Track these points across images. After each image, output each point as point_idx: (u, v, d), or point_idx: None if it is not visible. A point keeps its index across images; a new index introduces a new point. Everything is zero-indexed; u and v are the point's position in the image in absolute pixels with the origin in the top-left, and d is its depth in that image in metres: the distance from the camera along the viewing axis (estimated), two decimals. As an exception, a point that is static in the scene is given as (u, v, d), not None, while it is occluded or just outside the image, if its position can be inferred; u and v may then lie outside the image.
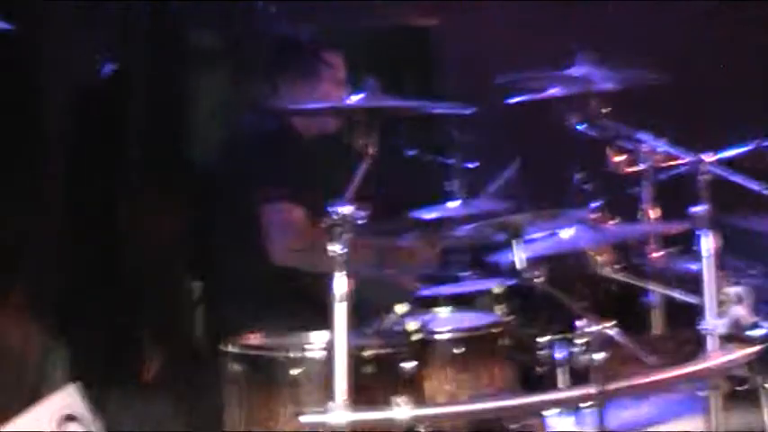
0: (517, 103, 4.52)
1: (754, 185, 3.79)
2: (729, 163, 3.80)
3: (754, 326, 3.72)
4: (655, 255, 4.48)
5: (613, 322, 3.57)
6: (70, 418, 3.94)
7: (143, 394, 5.24)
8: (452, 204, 4.65)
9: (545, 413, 3.92)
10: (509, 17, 6.01)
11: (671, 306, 4.44)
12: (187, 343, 5.09)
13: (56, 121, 4.57)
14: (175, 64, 5.95)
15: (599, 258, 4.35)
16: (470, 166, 4.87)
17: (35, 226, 4.31)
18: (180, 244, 5.49)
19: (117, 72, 5.22)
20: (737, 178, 3.76)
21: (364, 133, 3.52)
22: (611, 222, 4.49)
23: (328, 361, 3.26)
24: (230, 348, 3.85)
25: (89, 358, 4.61)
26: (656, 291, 4.45)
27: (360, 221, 3.22)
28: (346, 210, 3.21)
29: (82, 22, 4.78)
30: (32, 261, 4.29)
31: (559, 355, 3.85)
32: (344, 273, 3.21)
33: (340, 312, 3.23)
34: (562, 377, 3.83)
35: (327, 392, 3.23)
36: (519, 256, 3.81)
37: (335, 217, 3.22)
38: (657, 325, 4.50)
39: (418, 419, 3.49)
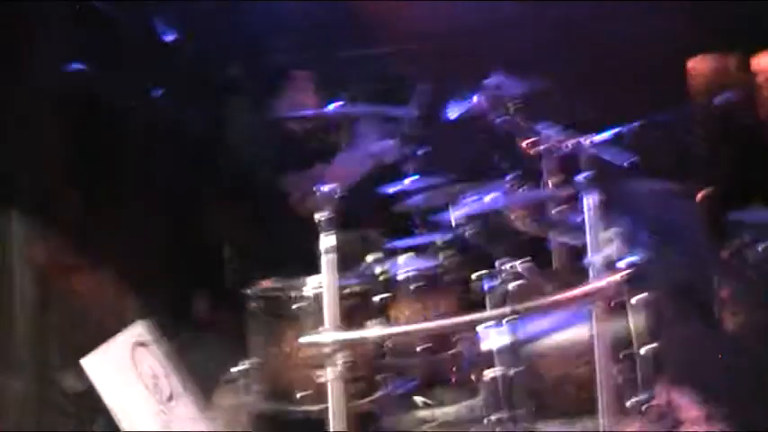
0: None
1: (620, 159, 3.86)
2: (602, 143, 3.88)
3: (620, 259, 3.86)
4: (555, 211, 4.56)
5: (522, 260, 3.59)
6: (141, 344, 4.00)
7: (198, 329, 5.30)
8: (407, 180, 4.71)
9: (477, 329, 4.04)
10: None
11: (567, 247, 4.51)
12: (223, 290, 5.14)
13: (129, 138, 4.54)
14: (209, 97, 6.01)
15: (514, 215, 4.45)
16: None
17: (120, 215, 4.30)
18: (221, 222, 5.54)
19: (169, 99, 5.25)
20: (606, 155, 3.84)
21: (341, 131, 3.62)
22: (522, 189, 4.62)
23: (320, 298, 3.39)
24: (250, 292, 3.97)
25: (158, 307, 4.63)
26: (556, 238, 4.55)
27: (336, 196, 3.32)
28: (326, 188, 3.32)
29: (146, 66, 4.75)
30: (118, 239, 4.27)
31: (487, 286, 3.97)
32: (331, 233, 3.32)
33: (330, 262, 3.34)
34: (489, 302, 3.95)
35: (320, 320, 3.37)
36: (451, 215, 3.91)
37: (319, 194, 3.33)
38: (558, 261, 4.60)
39: (385, 337, 3.63)
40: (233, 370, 3.96)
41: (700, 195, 5.65)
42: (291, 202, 4.56)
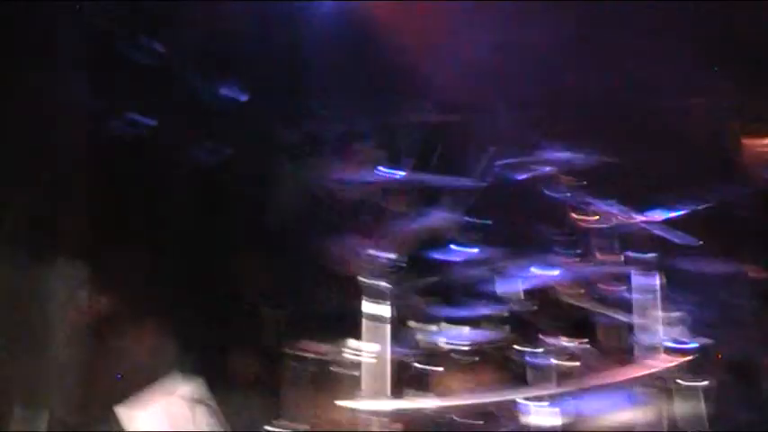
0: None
1: (678, 239, 3.76)
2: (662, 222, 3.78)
3: (678, 341, 3.73)
4: (607, 288, 4.44)
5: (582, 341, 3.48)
6: (199, 402, 3.93)
7: (238, 388, 5.23)
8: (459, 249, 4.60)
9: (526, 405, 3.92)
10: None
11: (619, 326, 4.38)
12: (268, 349, 5.07)
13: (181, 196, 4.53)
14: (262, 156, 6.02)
15: (565, 291, 4.34)
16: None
17: (165, 273, 4.28)
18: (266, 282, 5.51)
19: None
20: (666, 234, 3.74)
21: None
22: (576, 263, 4.51)
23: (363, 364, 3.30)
24: (294, 352, 3.90)
25: (198, 362, 4.58)
26: (613, 315, 4.42)
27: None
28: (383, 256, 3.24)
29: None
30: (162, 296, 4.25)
31: (536, 361, 3.84)
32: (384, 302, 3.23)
33: (387, 332, 3.25)
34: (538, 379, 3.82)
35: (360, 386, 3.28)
36: (501, 288, 3.82)
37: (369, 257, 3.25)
38: (608, 339, 4.44)
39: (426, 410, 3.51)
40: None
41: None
42: (339, 265, 4.47)
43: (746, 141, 6.41)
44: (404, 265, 4.40)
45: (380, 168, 4.37)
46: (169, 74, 4.31)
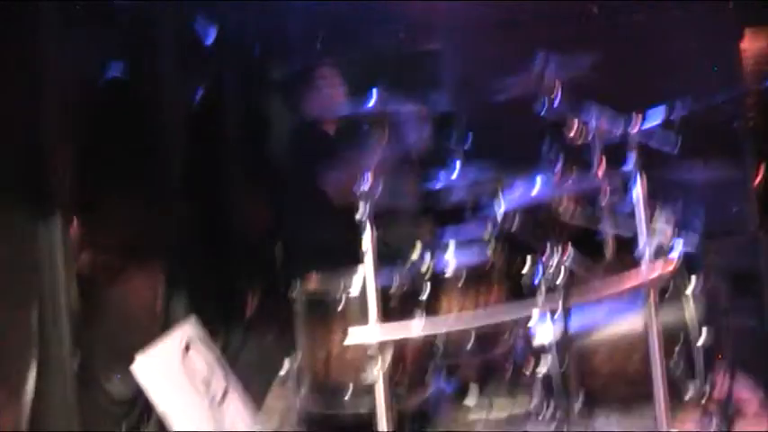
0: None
1: (667, 147, 3.72)
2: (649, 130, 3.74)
3: (673, 248, 3.72)
4: (603, 200, 4.42)
5: (569, 253, 3.46)
6: (191, 345, 3.92)
7: (246, 328, 5.27)
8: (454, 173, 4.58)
9: (529, 323, 3.92)
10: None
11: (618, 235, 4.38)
12: (272, 288, 5.09)
13: (174, 139, 4.50)
14: (256, 89, 5.98)
15: (562, 206, 4.32)
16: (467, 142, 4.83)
17: (164, 211, 4.27)
18: (266, 217, 5.51)
19: (216, 97, 5.22)
20: (654, 142, 3.70)
21: (379, 127, 3.53)
22: (570, 178, 4.48)
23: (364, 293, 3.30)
24: (296, 289, 3.90)
25: (207, 306, 4.60)
26: (606, 227, 4.41)
27: (376, 193, 3.23)
28: (366, 185, 3.23)
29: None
30: (164, 237, 4.24)
31: (538, 279, 3.84)
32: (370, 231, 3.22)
33: (369, 259, 3.25)
34: (539, 295, 3.82)
35: (365, 319, 3.28)
36: (497, 208, 3.80)
37: (361, 189, 3.23)
38: (609, 251, 4.45)
39: (432, 333, 3.52)
40: (283, 368, 3.89)
41: (758, 179, 5.47)
42: (333, 198, 4.46)
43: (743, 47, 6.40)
44: (400, 191, 4.41)
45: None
46: (151, 18, 4.26)
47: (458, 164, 4.58)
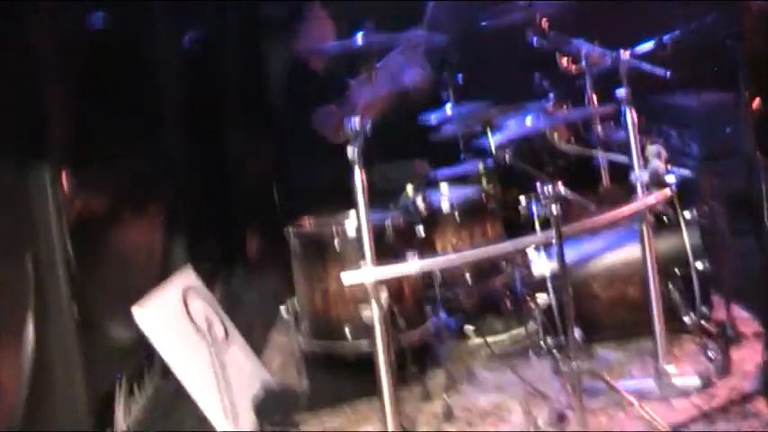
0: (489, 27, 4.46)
1: (659, 71, 3.69)
2: (640, 56, 3.71)
3: (668, 173, 3.71)
4: (597, 129, 4.41)
5: (561, 182, 3.44)
6: (191, 288, 3.92)
7: (246, 269, 5.29)
8: (447, 107, 4.53)
9: (528, 254, 3.93)
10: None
11: (613, 165, 4.37)
12: (270, 229, 5.08)
13: (168, 83, 4.45)
14: (250, 31, 5.92)
15: (556, 136, 4.30)
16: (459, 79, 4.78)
17: (163, 157, 4.25)
18: (263, 159, 5.50)
19: (211, 40, 5.16)
20: (646, 67, 3.67)
21: (367, 62, 3.49)
22: (563, 108, 4.46)
23: (359, 233, 3.29)
24: (291, 230, 3.90)
25: (206, 249, 4.60)
26: (600, 155, 4.39)
27: (366, 130, 3.20)
28: (355, 122, 3.20)
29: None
30: (161, 182, 4.22)
31: (534, 209, 3.84)
32: (361, 168, 3.20)
33: (360, 198, 3.23)
34: (536, 225, 3.83)
35: (361, 256, 3.27)
36: (491, 141, 3.77)
37: (349, 127, 3.20)
38: (605, 180, 4.45)
39: (427, 269, 3.52)
40: (281, 309, 3.90)
41: (755, 104, 5.42)
42: (327, 136, 4.42)
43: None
44: (394, 127, 4.38)
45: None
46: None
47: (450, 98, 4.54)
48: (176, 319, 3.72)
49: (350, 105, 3.39)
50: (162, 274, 3.98)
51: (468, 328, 4.22)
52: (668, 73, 3.68)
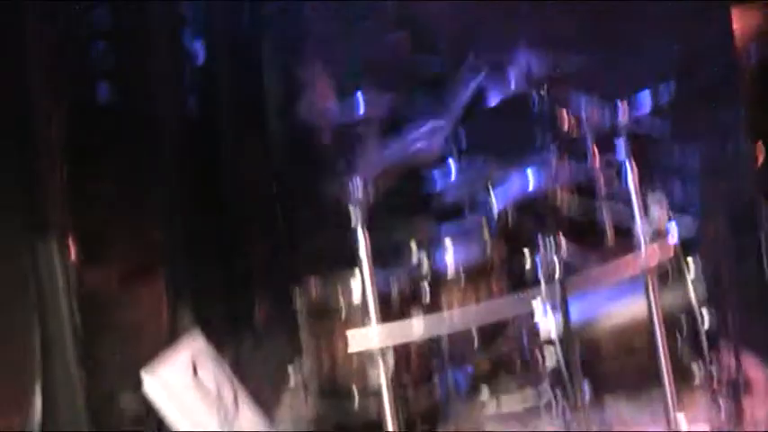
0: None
1: (659, 123, 3.74)
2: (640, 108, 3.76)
3: (670, 224, 3.73)
4: (599, 185, 4.44)
5: (564, 238, 3.47)
6: (200, 354, 3.95)
7: (255, 333, 5.29)
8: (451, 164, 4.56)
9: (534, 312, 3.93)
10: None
11: (616, 218, 4.38)
12: (278, 296, 5.10)
13: (180, 146, 4.51)
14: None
15: (558, 191, 4.32)
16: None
17: (170, 222, 4.29)
18: (270, 222, 5.53)
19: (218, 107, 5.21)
20: (646, 119, 3.72)
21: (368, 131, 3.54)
22: (565, 164, 4.49)
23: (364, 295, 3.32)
24: (298, 292, 3.92)
25: (214, 314, 4.62)
26: (603, 209, 4.41)
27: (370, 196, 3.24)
28: (359, 186, 3.24)
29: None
30: (169, 246, 4.26)
31: (538, 267, 3.85)
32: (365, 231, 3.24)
33: (364, 260, 3.27)
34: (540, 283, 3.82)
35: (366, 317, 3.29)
36: (493, 199, 3.80)
37: (354, 189, 3.25)
38: (609, 234, 4.45)
39: (432, 328, 3.53)
40: (290, 372, 3.91)
41: (761, 158, 5.46)
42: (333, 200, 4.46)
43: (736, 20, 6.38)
44: (398, 187, 4.41)
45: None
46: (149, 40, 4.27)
47: (454, 155, 4.58)
48: (185, 386, 3.73)
49: (358, 167, 3.45)
50: (170, 339, 4.00)
51: (478, 387, 4.20)
52: (668, 124, 3.72)
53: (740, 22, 5.45)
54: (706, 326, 3.78)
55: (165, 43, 4.45)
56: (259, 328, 5.37)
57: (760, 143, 5.30)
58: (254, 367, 4.71)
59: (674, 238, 3.65)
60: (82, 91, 3.74)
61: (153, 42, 4.33)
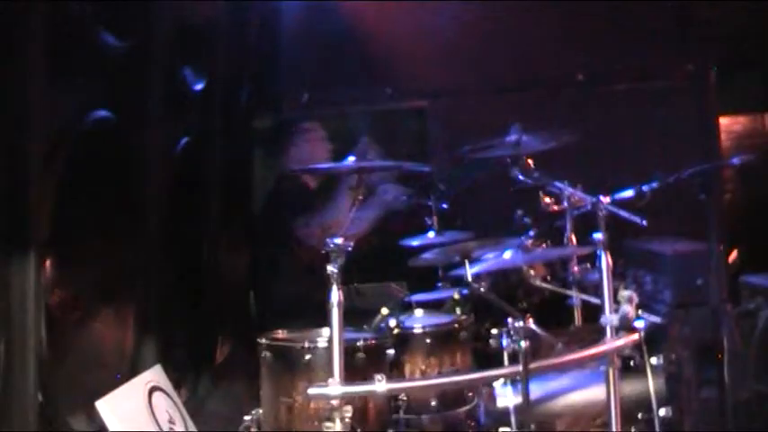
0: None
1: (636, 219, 3.81)
2: (620, 203, 3.82)
3: (638, 319, 3.77)
4: (573, 269, 4.51)
5: (531, 318, 3.52)
6: (157, 389, 3.95)
7: (214, 375, 5.28)
8: (429, 234, 4.62)
9: (494, 386, 3.97)
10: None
11: (585, 306, 4.45)
12: (242, 336, 5.11)
13: (154, 184, 4.53)
14: (240, 139, 6.04)
15: (532, 273, 4.39)
16: (444, 206, 4.91)
17: (140, 260, 4.30)
18: (241, 270, 5.55)
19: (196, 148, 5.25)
20: (624, 213, 3.78)
21: (355, 186, 3.59)
22: (541, 246, 4.56)
23: (329, 350, 3.33)
24: (263, 341, 3.93)
25: (175, 352, 4.62)
26: (574, 295, 4.47)
27: (348, 249, 3.28)
28: (339, 241, 3.28)
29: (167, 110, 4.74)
30: (138, 280, 4.27)
31: (504, 343, 3.90)
32: (338, 286, 3.27)
33: (335, 315, 3.30)
34: (505, 359, 3.88)
35: (329, 373, 3.31)
36: (468, 272, 3.84)
37: (331, 246, 3.28)
38: (577, 320, 4.51)
39: (394, 391, 3.55)
40: (245, 418, 3.91)
41: (732, 256, 5.56)
42: (306, 253, 4.51)
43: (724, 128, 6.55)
44: (375, 250, 4.47)
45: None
46: (137, 66, 4.31)
47: (434, 225, 4.65)
48: (138, 416, 3.72)
49: (333, 224, 3.49)
50: (131, 371, 4.00)
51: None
52: (645, 221, 3.79)
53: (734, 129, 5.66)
54: (662, 423, 3.82)
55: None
56: (220, 371, 5.37)
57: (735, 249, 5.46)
58: (210, 409, 4.71)
59: (640, 332, 3.69)
60: (73, 119, 3.76)
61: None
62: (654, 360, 3.88)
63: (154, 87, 4.45)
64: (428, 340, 4.10)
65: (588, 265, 4.45)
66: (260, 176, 5.88)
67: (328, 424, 3.26)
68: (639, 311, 3.79)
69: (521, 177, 4.32)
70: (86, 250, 3.72)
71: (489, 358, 3.98)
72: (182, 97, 4.97)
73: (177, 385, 4.22)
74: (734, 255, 5.45)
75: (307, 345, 3.75)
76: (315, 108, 5.98)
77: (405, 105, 6.58)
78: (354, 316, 3.61)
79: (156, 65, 4.41)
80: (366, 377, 3.47)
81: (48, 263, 3.35)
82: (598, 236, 3.61)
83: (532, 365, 3.40)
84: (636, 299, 3.78)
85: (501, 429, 3.85)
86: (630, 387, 3.82)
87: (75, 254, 3.64)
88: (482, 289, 3.84)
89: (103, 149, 3.89)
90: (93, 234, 3.75)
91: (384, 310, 4.05)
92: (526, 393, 3.38)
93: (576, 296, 4.43)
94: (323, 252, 3.31)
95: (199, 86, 4.99)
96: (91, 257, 3.78)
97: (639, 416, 3.84)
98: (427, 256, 4.23)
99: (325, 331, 3.74)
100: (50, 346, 3.28)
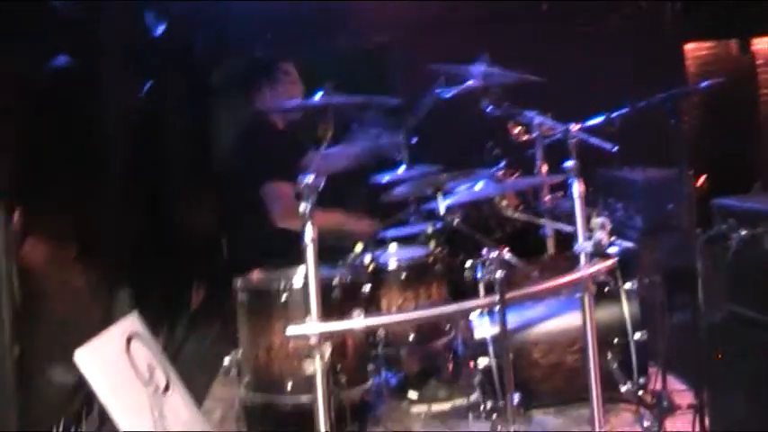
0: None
1: (606, 145, 3.81)
2: (590, 130, 3.82)
3: (611, 245, 3.79)
4: (545, 198, 4.51)
5: (506, 248, 3.52)
6: (135, 336, 3.92)
7: (191, 320, 5.29)
8: (400, 169, 4.60)
9: (470, 317, 3.99)
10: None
11: (559, 234, 4.46)
12: (216, 281, 5.09)
13: (117, 134, 4.48)
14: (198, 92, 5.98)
15: (504, 203, 4.39)
16: (413, 141, 4.89)
17: (112, 203, 4.26)
18: (211, 215, 5.53)
19: (161, 91, 5.19)
20: (594, 140, 3.78)
21: (324, 122, 3.53)
22: (513, 176, 4.56)
23: (306, 288, 3.32)
24: (239, 283, 3.92)
25: (152, 298, 4.60)
26: (547, 224, 4.48)
27: (319, 188, 3.24)
28: (309, 179, 3.24)
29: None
30: (110, 227, 4.24)
31: (479, 274, 3.92)
32: (311, 224, 3.24)
33: (310, 253, 3.27)
34: (480, 290, 3.90)
35: (306, 311, 3.30)
36: (440, 205, 3.83)
37: (302, 185, 3.25)
38: (551, 248, 4.53)
39: (372, 326, 3.55)
40: (224, 361, 3.90)
41: (700, 182, 5.59)
42: (284, 200, 4.46)
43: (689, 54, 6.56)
44: (346, 186, 4.43)
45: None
46: (97, 13, 4.24)
47: (404, 160, 4.62)
48: (118, 364, 3.70)
49: (308, 163, 3.45)
50: (107, 319, 3.98)
51: (411, 394, 4.26)
52: (615, 148, 3.79)
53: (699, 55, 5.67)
54: (637, 347, 3.85)
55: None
56: (197, 315, 5.38)
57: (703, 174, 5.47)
58: (189, 353, 4.71)
59: (613, 258, 3.70)
60: (33, 67, 3.69)
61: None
62: (628, 285, 3.92)
63: (114, 32, 4.38)
64: (403, 274, 4.13)
65: (560, 194, 4.47)
66: (230, 118, 5.81)
67: (308, 362, 3.25)
68: (612, 238, 3.81)
69: (490, 108, 4.31)
70: (54, 199, 3.67)
71: (464, 290, 4.01)
72: (142, 42, 4.91)
73: (155, 332, 4.20)
74: (702, 180, 5.46)
75: (282, 285, 3.74)
76: (277, 48, 5.89)
77: (366, 44, 6.52)
78: (329, 252, 3.58)
79: (116, 9, 4.35)
80: (343, 314, 3.46)
81: (18, 209, 3.31)
82: (569, 164, 3.60)
83: (509, 295, 3.40)
84: (609, 225, 3.79)
85: (479, 359, 3.89)
86: (605, 313, 3.85)
87: (44, 204, 3.59)
88: (455, 221, 3.84)
89: (66, 96, 3.83)
90: (61, 183, 3.70)
91: (358, 246, 4.05)
92: (504, 323, 3.38)
93: (548, 225, 4.45)
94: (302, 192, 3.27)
95: (159, 30, 4.92)
96: (60, 207, 3.73)
97: (615, 341, 3.88)
98: (399, 190, 4.21)
99: (301, 269, 3.71)
100: (24, 298, 3.25)
